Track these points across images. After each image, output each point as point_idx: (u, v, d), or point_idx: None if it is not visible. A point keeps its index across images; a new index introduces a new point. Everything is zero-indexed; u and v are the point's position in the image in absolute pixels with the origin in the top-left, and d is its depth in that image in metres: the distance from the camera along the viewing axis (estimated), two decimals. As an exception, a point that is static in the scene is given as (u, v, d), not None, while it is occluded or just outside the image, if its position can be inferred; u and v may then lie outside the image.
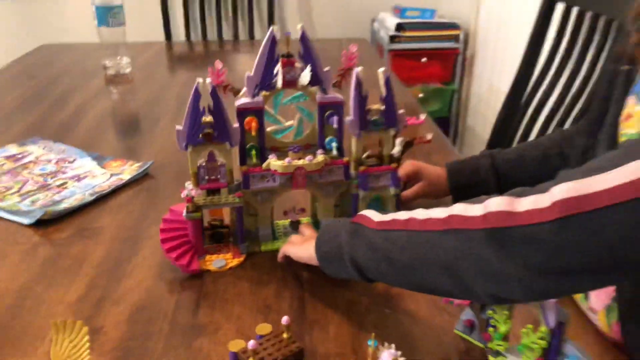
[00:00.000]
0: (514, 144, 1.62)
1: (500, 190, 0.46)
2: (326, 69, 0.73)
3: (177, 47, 2.05)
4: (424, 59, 2.44)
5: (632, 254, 0.39)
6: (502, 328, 0.55)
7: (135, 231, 0.81)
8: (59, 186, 0.94)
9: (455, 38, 2.43)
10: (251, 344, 0.53)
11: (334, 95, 0.73)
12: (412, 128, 0.78)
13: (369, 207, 0.76)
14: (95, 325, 0.62)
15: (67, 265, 0.73)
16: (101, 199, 0.90)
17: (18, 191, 0.91)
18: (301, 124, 0.76)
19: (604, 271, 0.41)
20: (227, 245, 0.76)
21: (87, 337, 0.51)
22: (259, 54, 0.71)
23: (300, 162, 0.71)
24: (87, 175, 0.97)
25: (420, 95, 2.42)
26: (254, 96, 0.72)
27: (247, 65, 1.88)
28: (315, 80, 0.72)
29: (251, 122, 0.71)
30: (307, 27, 2.17)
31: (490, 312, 0.56)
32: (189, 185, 0.72)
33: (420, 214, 0.50)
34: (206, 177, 0.72)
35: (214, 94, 0.67)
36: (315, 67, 0.72)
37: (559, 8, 1.54)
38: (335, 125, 0.73)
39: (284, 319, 0.56)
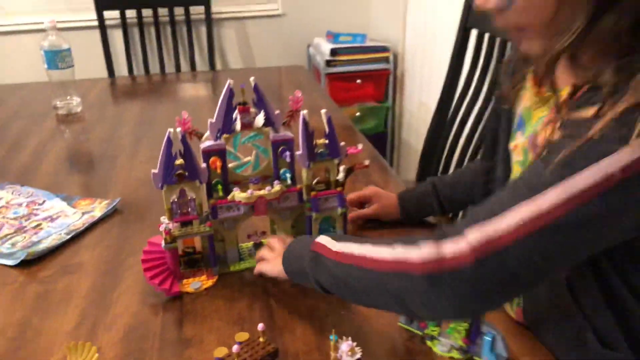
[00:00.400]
0: (444, 155, 1.80)
1: (442, 211, 0.60)
2: (277, 112, 0.86)
3: (121, 82, 2.13)
4: (358, 81, 2.61)
5: (538, 276, 0.53)
6: (435, 316, 0.68)
7: (114, 264, 0.90)
8: (34, 227, 1.01)
9: (386, 59, 2.62)
10: (235, 348, 0.64)
11: (285, 133, 0.86)
12: (352, 156, 0.92)
13: (320, 226, 0.89)
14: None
15: (58, 299, 0.82)
16: (77, 237, 0.98)
17: (-5, 235, 0.98)
18: (257, 159, 0.89)
19: (517, 291, 0.55)
20: (201, 269, 0.87)
21: (97, 356, 0.61)
22: (218, 103, 0.82)
23: (261, 192, 0.83)
24: (60, 216, 1.05)
25: (358, 114, 2.59)
26: (216, 139, 0.83)
27: (192, 95, 1.96)
28: (268, 121, 0.85)
29: (216, 162, 0.83)
30: (247, 57, 2.36)
31: (425, 304, 0.70)
32: (164, 219, 0.83)
33: (370, 250, 0.61)
34: (179, 211, 0.83)
35: (184, 140, 0.79)
36: (267, 111, 0.84)
37: (474, 33, 1.74)
38: (288, 159, 0.86)
39: (260, 326, 0.68)
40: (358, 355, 0.62)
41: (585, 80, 0.55)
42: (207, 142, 0.84)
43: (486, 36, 1.67)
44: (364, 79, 2.62)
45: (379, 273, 0.59)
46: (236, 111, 0.83)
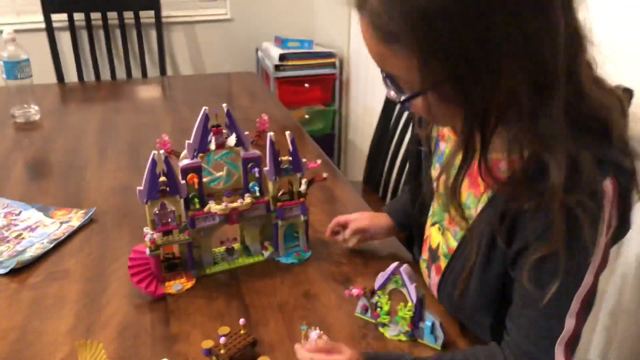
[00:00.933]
0: (389, 157, 1.97)
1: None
2: (246, 133, 0.98)
3: (75, 88, 2.17)
4: (306, 85, 2.74)
5: None
6: (385, 307, 0.83)
7: (98, 270, 1.00)
8: (16, 237, 1.09)
9: (332, 65, 2.76)
10: (222, 340, 0.76)
11: (254, 151, 0.98)
12: (313, 169, 1.05)
13: (285, 232, 1.02)
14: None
15: (51, 304, 0.91)
16: (58, 245, 1.07)
17: (-20, 246, 1.05)
18: (229, 174, 1.00)
19: None
20: (180, 272, 0.97)
21: (104, 352, 0.72)
22: (195, 126, 0.93)
23: (234, 204, 0.95)
24: (39, 225, 1.13)
25: (306, 116, 2.72)
26: (193, 157, 0.94)
27: (147, 102, 2.01)
28: (238, 141, 0.96)
29: (193, 178, 0.94)
30: (197, 61, 2.51)
31: (377, 298, 0.84)
32: (147, 229, 0.93)
33: None
34: (160, 222, 0.93)
35: (167, 161, 0.90)
36: (238, 132, 0.96)
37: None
38: (257, 174, 0.98)
39: (241, 320, 0.80)
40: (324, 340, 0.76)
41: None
42: (185, 161, 0.95)
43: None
44: (312, 83, 2.76)
45: None
46: (211, 133, 0.94)
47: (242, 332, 0.80)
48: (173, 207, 0.93)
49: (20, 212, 1.18)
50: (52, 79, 2.36)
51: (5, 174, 1.37)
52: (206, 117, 0.93)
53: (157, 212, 0.93)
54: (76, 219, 1.15)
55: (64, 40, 2.48)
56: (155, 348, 0.81)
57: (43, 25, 2.40)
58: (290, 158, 0.99)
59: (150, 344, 0.82)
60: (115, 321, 0.87)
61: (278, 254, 1.03)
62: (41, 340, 0.83)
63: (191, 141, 0.94)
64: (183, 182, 0.93)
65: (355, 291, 0.86)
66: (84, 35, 2.50)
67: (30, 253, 1.03)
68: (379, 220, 1.05)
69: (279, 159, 0.98)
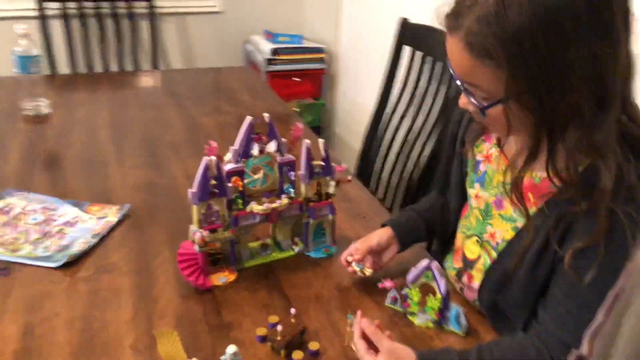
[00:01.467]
0: (378, 155, 2.08)
1: (428, 235, 0.93)
2: (284, 140, 1.07)
3: (77, 81, 2.20)
4: (297, 79, 2.83)
5: None
6: (415, 298, 0.95)
7: (143, 263, 1.08)
8: (57, 232, 1.16)
9: (322, 60, 2.85)
10: (279, 327, 0.87)
11: (289, 156, 1.08)
12: (338, 172, 1.15)
13: (315, 231, 1.12)
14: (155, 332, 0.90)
15: (109, 295, 0.99)
16: (100, 240, 1.14)
17: (26, 240, 1.12)
18: (265, 177, 1.10)
19: None
20: (222, 267, 1.07)
21: (179, 339, 0.81)
22: (240, 134, 1.02)
23: (274, 205, 1.05)
24: (77, 221, 1.20)
25: (297, 109, 2.81)
26: (237, 162, 1.04)
27: (149, 96, 2.06)
28: (276, 147, 1.06)
29: (237, 181, 1.03)
30: (187, 57, 2.61)
31: (407, 290, 0.96)
32: (194, 227, 1.02)
33: None
34: (206, 221, 1.02)
35: (218, 166, 0.98)
36: (277, 139, 1.05)
37: (407, 49, 2.01)
38: (292, 177, 1.08)
39: (292, 310, 0.90)
40: (369, 329, 0.87)
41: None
42: (229, 165, 1.03)
43: (417, 54, 1.96)
44: (302, 77, 2.84)
45: None
46: (253, 140, 1.03)
47: (292, 320, 0.90)
48: (218, 207, 1.02)
49: (56, 208, 1.24)
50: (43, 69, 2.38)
51: (28, 169, 1.42)
52: (251, 127, 1.02)
53: (203, 211, 1.02)
54: (112, 214, 1.22)
55: (56, 30, 2.49)
56: (213, 335, 0.91)
57: (34, 13, 2.41)
58: (323, 163, 1.09)
59: (208, 332, 0.92)
60: (171, 311, 0.96)
61: (308, 249, 1.13)
62: (107, 329, 0.91)
63: (236, 147, 1.03)
64: (230, 185, 1.02)
65: (388, 284, 0.97)
66: (75, 25, 2.52)
67: (77, 247, 1.10)
68: (380, 233, 1.05)
69: (313, 163, 1.08)
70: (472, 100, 0.77)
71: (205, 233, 1.01)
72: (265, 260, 1.11)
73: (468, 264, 0.96)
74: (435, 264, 0.92)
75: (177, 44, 2.88)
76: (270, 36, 2.84)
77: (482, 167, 0.95)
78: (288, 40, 2.83)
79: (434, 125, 1.85)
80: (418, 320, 0.96)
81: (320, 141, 1.08)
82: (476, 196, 0.94)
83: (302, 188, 1.10)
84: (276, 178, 1.09)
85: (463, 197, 1.01)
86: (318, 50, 2.84)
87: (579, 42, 0.66)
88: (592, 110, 0.69)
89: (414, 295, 0.95)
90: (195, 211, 1.00)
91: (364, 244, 1.03)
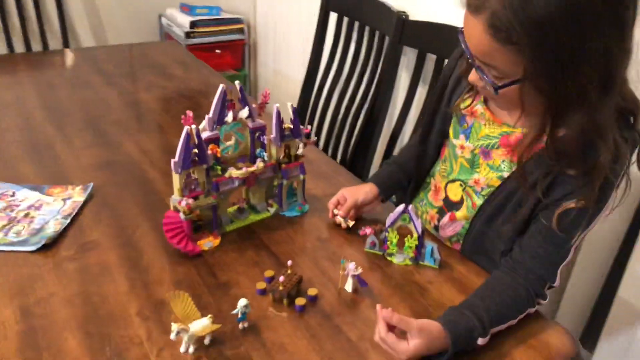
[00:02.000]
0: (315, 122, 2.15)
1: (407, 183, 1.01)
2: (253, 105, 1.11)
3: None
4: (217, 51, 2.81)
5: None
6: (394, 240, 1.05)
7: (124, 238, 1.09)
8: (25, 217, 1.13)
9: (240, 30, 2.85)
10: (281, 278, 0.93)
11: (260, 121, 1.13)
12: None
13: (288, 193, 1.18)
14: (157, 298, 0.93)
15: (98, 271, 1.00)
16: (73, 220, 1.13)
17: (-6, 228, 1.09)
18: (237, 143, 1.14)
19: None
20: (205, 232, 1.10)
21: (190, 300, 0.85)
22: (214, 102, 1.05)
23: (252, 168, 1.09)
24: (42, 204, 1.17)
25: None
26: (212, 129, 1.07)
27: (77, 75, 1.98)
28: (248, 113, 1.10)
29: (214, 148, 1.07)
30: (99, 33, 2.57)
31: (386, 233, 1.05)
32: (175, 197, 1.04)
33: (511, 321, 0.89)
34: (187, 189, 1.05)
35: (198, 134, 1.01)
36: (248, 105, 1.10)
37: (334, 16, 2.08)
38: (265, 142, 1.13)
39: (289, 262, 0.97)
40: (360, 270, 0.96)
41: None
42: (205, 132, 1.06)
43: (345, 19, 2.04)
44: (222, 48, 2.83)
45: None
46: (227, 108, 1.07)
47: (289, 272, 0.97)
48: (196, 175, 1.06)
49: (14, 193, 1.20)
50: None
51: (-31, 157, 1.35)
52: (224, 94, 1.06)
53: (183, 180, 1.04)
54: (77, 195, 1.21)
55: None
56: (215, 295, 0.95)
57: None
58: (292, 126, 1.15)
59: (209, 293, 0.96)
60: (167, 278, 0.99)
61: (282, 209, 1.20)
62: (109, 301, 0.93)
63: (210, 115, 1.06)
64: (210, 152, 1.05)
65: (368, 230, 1.06)
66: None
67: (52, 229, 1.09)
68: (366, 190, 1.16)
69: (283, 126, 1.14)
70: (485, 78, 0.83)
71: (191, 201, 1.04)
72: (244, 223, 1.16)
73: (452, 204, 1.07)
74: (411, 207, 1.02)
75: (87, 21, 2.75)
76: (187, 9, 2.79)
77: (468, 121, 1.03)
78: (206, 12, 2.79)
79: (365, 92, 1.94)
80: (397, 260, 1.06)
81: (289, 104, 1.13)
82: (461, 146, 1.04)
83: (273, 151, 1.15)
84: (247, 143, 1.14)
85: (441, 144, 1.12)
86: (236, 21, 2.83)
87: (596, 36, 0.72)
88: (597, 94, 0.76)
89: (393, 237, 1.05)
90: (177, 180, 1.03)
91: (351, 199, 1.12)
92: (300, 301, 0.93)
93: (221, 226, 1.13)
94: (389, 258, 1.07)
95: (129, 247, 1.07)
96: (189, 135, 1.00)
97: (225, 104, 1.07)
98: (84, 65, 2.03)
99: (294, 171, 1.18)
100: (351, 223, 1.12)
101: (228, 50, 2.86)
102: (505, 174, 0.97)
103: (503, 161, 0.97)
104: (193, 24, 2.69)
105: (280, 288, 0.93)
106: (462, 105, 1.03)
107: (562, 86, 0.77)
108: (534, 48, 0.74)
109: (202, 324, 0.83)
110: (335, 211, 1.13)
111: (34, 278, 0.97)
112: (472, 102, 1.01)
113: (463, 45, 0.83)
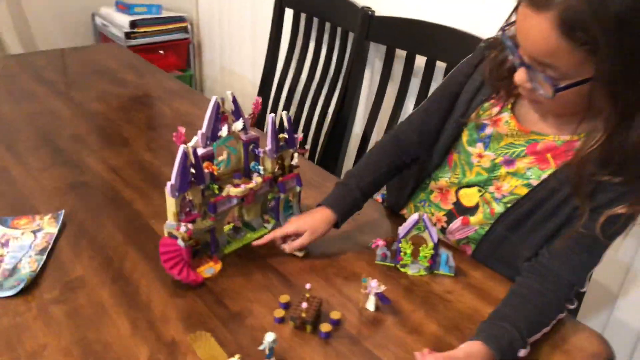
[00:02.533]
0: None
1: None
2: (247, 116, 1.03)
3: None
4: (161, 51, 2.66)
5: None
6: (408, 251, 1.00)
7: (113, 271, 0.98)
8: (-6, 256, 0.99)
9: (184, 29, 2.71)
10: (304, 305, 0.86)
11: (252, 133, 1.04)
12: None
13: (285, 207, 1.11)
14: (167, 339, 0.84)
15: (92, 313, 0.89)
16: (49, 255, 1.01)
17: (-42, 272, 0.94)
18: (229, 158, 1.05)
19: None
20: (202, 257, 1.01)
21: (213, 339, 0.77)
22: (207, 116, 0.96)
23: (251, 185, 1.01)
24: (9, 239, 1.04)
25: (166, 85, 2.65)
26: (205, 146, 0.98)
27: (15, 87, 1.79)
28: (242, 125, 1.02)
29: (210, 166, 0.98)
30: (26, 39, 2.40)
31: (399, 244, 1.01)
32: (171, 222, 0.95)
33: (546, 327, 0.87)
34: (183, 213, 0.96)
35: (195, 153, 0.92)
36: (242, 117, 1.01)
37: (289, 12, 2.01)
38: (260, 154, 1.05)
39: (307, 285, 0.90)
40: (384, 288, 0.91)
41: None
42: (199, 150, 0.97)
43: (303, 15, 1.97)
44: (166, 49, 2.68)
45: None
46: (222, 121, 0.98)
47: (307, 295, 0.90)
48: (191, 196, 0.96)
49: (-28, 229, 1.06)
50: None
51: None
52: (217, 107, 0.97)
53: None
54: (48, 224, 1.08)
55: None
56: (230, 327, 0.87)
57: None
58: (287, 136, 1.07)
59: (223, 326, 0.88)
60: (173, 314, 0.90)
61: (280, 224, 1.12)
62: (112, 348, 0.83)
63: (204, 130, 0.97)
64: (207, 171, 0.96)
65: (380, 242, 1.01)
66: None
67: (28, 268, 0.96)
68: (323, 220, 1.04)
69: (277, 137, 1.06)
70: (543, 79, 0.78)
71: (190, 225, 0.95)
72: (242, 242, 1.08)
73: (465, 210, 1.04)
74: (425, 216, 0.98)
75: (12, 24, 2.51)
76: (125, 7, 2.62)
77: (487, 130, 0.99)
78: (145, 11, 2.63)
79: (330, 91, 1.88)
80: (411, 271, 1.02)
81: (283, 113, 1.06)
82: (479, 155, 1.00)
83: (268, 164, 1.08)
84: (241, 157, 1.06)
85: (447, 152, 1.07)
86: (179, 19, 2.69)
87: None
88: None
89: (407, 248, 1.00)
90: (172, 204, 0.94)
91: (310, 235, 1.02)
92: (325, 327, 0.87)
93: (219, 249, 1.04)
94: (402, 269, 1.02)
95: (121, 281, 0.96)
96: (186, 155, 0.91)
97: (219, 117, 0.98)
98: (22, 74, 1.84)
99: (290, 183, 1.11)
100: (303, 253, 1.05)
101: (172, 50, 2.72)
102: (533, 182, 0.94)
103: (529, 169, 0.95)
104: (133, 24, 2.53)
105: (304, 315, 0.87)
106: (485, 114, 0.99)
107: (633, 88, 0.73)
108: (610, 47, 0.70)
109: (231, 367, 0.76)
110: (284, 245, 1.04)
111: (19, 328, 0.85)
112: (500, 110, 0.97)
113: (509, 44, 0.79)
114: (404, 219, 1.04)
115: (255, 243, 1.05)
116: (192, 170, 0.93)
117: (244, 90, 2.55)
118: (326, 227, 1.04)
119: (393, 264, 1.03)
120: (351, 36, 1.79)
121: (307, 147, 1.17)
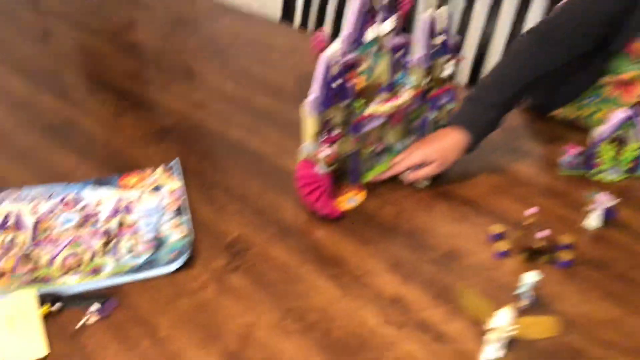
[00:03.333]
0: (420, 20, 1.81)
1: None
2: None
3: None
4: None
5: None
6: (611, 153, 0.86)
7: (273, 224, 0.81)
8: (128, 226, 0.80)
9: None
10: (540, 234, 0.72)
11: (404, 37, 0.85)
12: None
13: (435, 130, 0.92)
14: (386, 294, 0.70)
15: (281, 277, 0.73)
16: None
17: (94, 253, 0.76)
18: (371, 68, 0.85)
19: None
20: (341, 185, 0.85)
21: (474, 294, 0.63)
22: (352, 11, 0.76)
23: (399, 101, 0.84)
24: (131, 202, 0.84)
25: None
26: (349, 52, 0.78)
27: None
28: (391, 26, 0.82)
29: (355, 77, 0.79)
30: None
31: (596, 149, 0.86)
32: (312, 146, 0.78)
33: None
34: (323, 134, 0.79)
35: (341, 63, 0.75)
36: (393, 15, 0.81)
37: None
38: (409, 64, 0.86)
39: (531, 210, 0.75)
40: (616, 201, 0.78)
41: None
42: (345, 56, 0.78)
43: None
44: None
45: None
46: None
47: (530, 221, 0.75)
48: (332, 114, 0.79)
49: (77, 197, 0.86)
50: None
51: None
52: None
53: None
54: (166, 179, 0.89)
55: None
56: (453, 271, 0.73)
57: None
58: (445, 38, 0.88)
59: (442, 271, 0.73)
60: (373, 264, 0.74)
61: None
62: (330, 315, 0.68)
63: (350, 30, 0.77)
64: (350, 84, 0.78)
65: (574, 150, 0.88)
66: None
67: (179, 234, 0.78)
68: (457, 146, 0.88)
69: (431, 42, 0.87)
70: None
71: (333, 148, 0.78)
72: (384, 167, 0.90)
73: None
74: (636, 112, 0.83)
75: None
76: None
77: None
78: None
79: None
80: (612, 176, 0.88)
81: (443, 8, 0.86)
82: None
83: (419, 74, 0.89)
84: (385, 67, 0.86)
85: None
86: None
87: None
88: None
89: (608, 150, 0.86)
90: (312, 124, 0.78)
91: (440, 163, 0.86)
92: (566, 255, 0.74)
93: (361, 175, 0.88)
94: (596, 177, 0.89)
95: (289, 236, 0.79)
96: (328, 66, 0.73)
97: (367, 15, 0.78)
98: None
99: (442, 98, 0.93)
100: (427, 183, 0.89)
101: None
102: None
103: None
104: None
105: (540, 245, 0.73)
106: None
107: None
108: None
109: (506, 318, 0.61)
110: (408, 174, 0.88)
111: (207, 309, 0.69)
112: None
113: None
114: (556, 122, 0.91)
115: (380, 177, 0.88)
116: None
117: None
118: (458, 155, 0.87)
119: (583, 172, 0.89)
120: None
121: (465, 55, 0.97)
